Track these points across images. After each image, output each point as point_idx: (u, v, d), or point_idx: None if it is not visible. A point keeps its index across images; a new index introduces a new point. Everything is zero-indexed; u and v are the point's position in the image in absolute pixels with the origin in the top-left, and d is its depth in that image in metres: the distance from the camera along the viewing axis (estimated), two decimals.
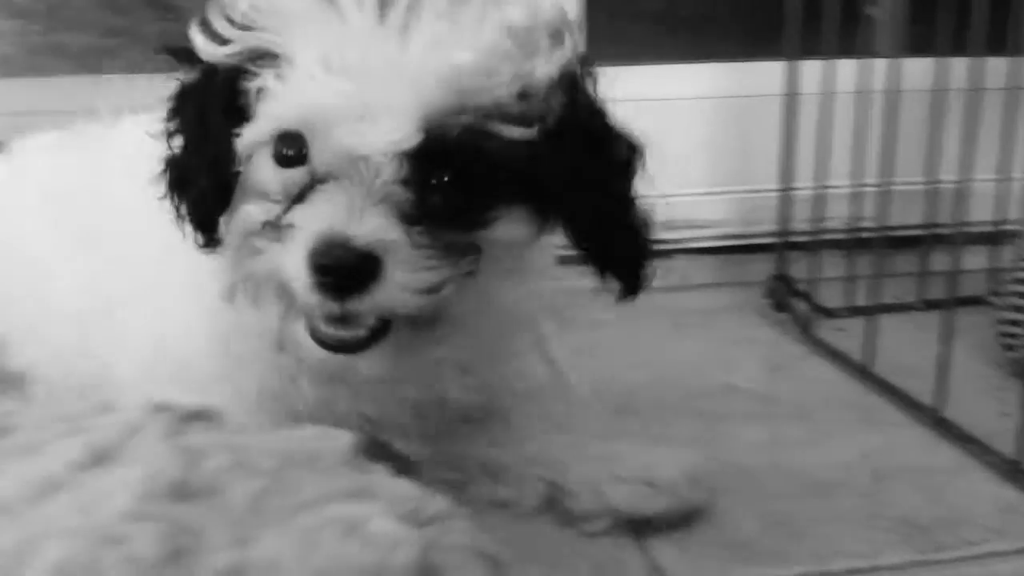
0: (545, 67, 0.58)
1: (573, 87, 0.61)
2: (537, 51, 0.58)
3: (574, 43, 0.61)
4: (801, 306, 1.07)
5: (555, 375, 0.96)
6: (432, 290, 0.57)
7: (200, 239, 0.62)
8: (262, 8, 0.58)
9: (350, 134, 0.55)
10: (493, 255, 0.61)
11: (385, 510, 0.42)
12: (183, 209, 0.62)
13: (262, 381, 0.67)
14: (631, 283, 0.67)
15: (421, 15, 0.56)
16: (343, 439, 0.48)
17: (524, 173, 0.59)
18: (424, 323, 0.60)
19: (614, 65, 1.17)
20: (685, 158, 1.18)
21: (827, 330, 1.06)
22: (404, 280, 0.55)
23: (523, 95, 0.57)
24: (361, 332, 0.59)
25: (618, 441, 0.76)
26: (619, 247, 0.66)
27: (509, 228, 0.60)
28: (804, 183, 1.06)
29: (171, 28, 1.06)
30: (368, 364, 0.60)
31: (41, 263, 0.75)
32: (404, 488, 0.45)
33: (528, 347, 0.78)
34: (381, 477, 0.45)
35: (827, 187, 1.03)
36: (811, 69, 1.02)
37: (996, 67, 1.12)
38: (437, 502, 0.45)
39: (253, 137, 0.59)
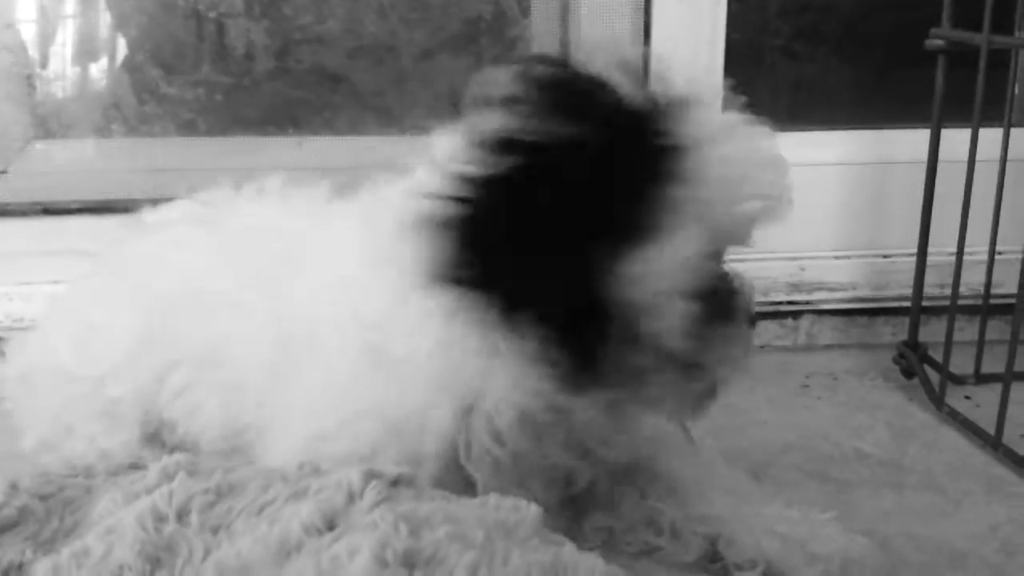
0: None
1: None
2: None
3: None
4: (931, 373, 1.09)
5: (685, 432, 1.01)
6: None
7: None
8: None
9: None
10: None
11: None
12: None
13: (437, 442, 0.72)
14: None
15: None
16: (532, 511, 0.54)
17: None
18: None
19: None
20: (819, 222, 1.21)
21: (955, 397, 1.08)
22: None
23: None
24: None
25: (770, 505, 0.80)
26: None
27: None
28: (938, 249, 1.07)
29: (340, 100, 1.17)
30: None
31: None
32: (593, 562, 0.50)
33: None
34: (571, 550, 0.51)
35: (965, 253, 1.04)
36: (951, 136, 1.04)
37: None
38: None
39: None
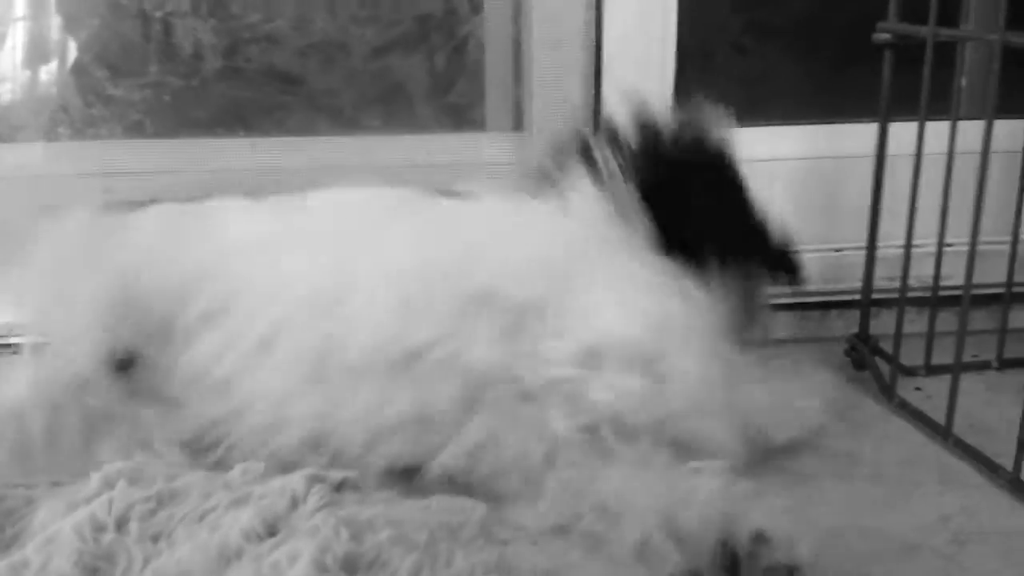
0: None
1: None
2: None
3: None
4: (882, 365, 1.10)
5: None
6: None
7: None
8: None
9: None
10: None
11: None
12: None
13: None
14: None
15: None
16: (478, 511, 0.54)
17: None
18: None
19: None
20: (772, 216, 1.21)
21: (905, 388, 1.09)
22: None
23: None
24: None
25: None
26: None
27: None
28: (889, 242, 1.08)
29: (291, 101, 1.16)
30: None
31: None
32: (535, 559, 0.50)
33: None
34: (516, 549, 0.51)
35: (916, 246, 1.05)
36: (901, 131, 1.04)
37: None
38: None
39: None
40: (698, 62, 1.24)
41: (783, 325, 1.23)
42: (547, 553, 0.52)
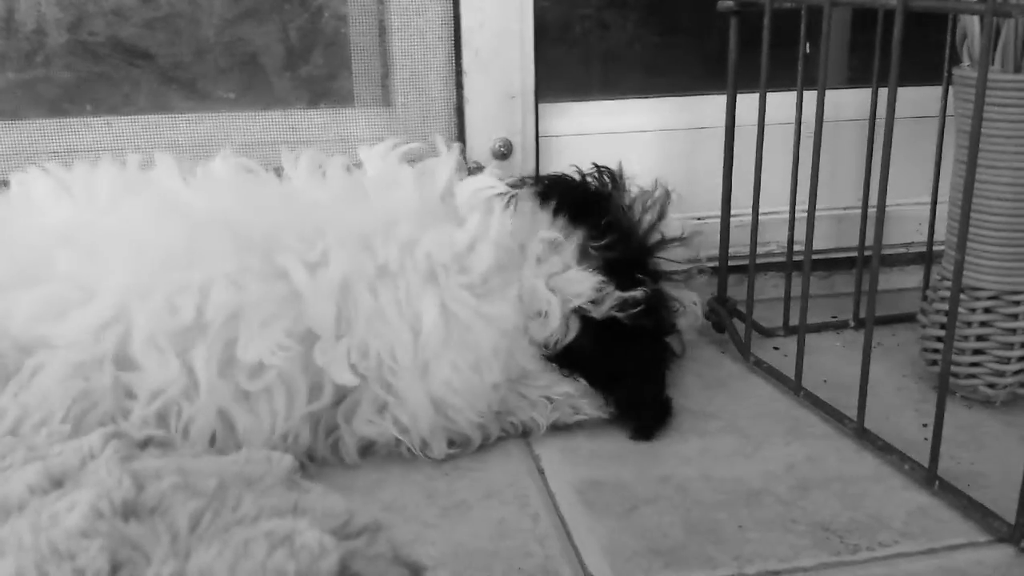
0: None
1: None
2: None
3: None
4: (739, 326, 1.12)
5: None
6: None
7: None
8: None
9: None
10: None
11: (313, 524, 0.47)
12: None
13: None
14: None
15: None
16: (285, 461, 0.54)
17: None
18: None
19: (570, 101, 1.23)
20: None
21: (764, 348, 1.12)
22: None
23: None
24: None
25: None
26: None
27: None
28: (743, 209, 1.11)
29: (140, 75, 1.13)
30: None
31: None
32: (334, 503, 0.50)
33: None
34: (315, 495, 0.50)
35: (775, 213, 1.07)
36: (750, 101, 1.06)
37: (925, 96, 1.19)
38: (364, 516, 0.50)
39: None
40: (558, 35, 1.26)
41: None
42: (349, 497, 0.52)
